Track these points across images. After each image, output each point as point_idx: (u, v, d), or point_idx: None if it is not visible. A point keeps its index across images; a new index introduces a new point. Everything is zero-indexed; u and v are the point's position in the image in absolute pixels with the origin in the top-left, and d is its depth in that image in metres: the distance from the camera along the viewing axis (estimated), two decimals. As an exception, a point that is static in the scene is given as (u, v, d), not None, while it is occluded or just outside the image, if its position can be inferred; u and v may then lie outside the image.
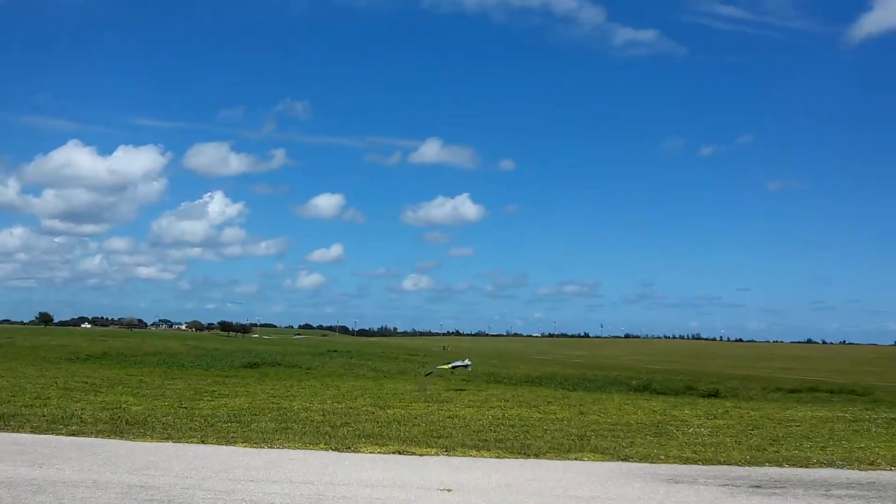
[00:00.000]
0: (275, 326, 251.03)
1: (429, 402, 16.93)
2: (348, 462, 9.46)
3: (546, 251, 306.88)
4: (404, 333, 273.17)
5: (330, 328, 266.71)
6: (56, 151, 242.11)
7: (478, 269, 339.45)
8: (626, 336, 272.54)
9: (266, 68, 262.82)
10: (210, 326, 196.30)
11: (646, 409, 16.81)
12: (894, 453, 10.97)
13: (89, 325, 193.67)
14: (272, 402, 15.67)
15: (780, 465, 10.01)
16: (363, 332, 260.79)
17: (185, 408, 14.30)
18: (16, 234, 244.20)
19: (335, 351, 62.20)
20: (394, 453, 10.17)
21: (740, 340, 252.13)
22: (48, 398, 15.17)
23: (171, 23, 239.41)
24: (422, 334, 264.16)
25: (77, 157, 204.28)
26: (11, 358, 36.26)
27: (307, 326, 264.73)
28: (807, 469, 9.82)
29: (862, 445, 11.68)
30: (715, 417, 15.18)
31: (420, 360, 55.41)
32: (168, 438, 10.86)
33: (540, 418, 14.27)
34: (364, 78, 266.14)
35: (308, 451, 10.15)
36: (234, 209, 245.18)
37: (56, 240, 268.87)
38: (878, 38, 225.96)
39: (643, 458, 10.23)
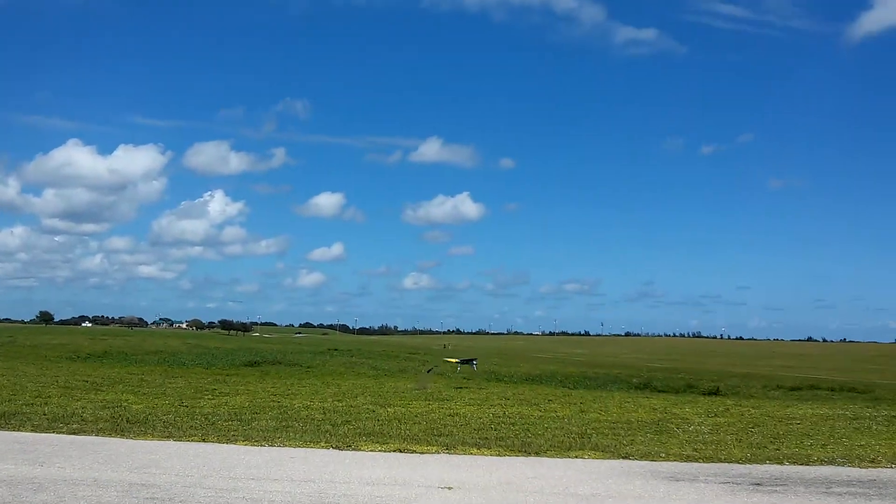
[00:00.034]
0: (275, 325, 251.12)
1: (429, 400, 16.94)
2: (349, 460, 9.46)
3: (546, 249, 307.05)
4: (405, 332, 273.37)
5: (330, 327, 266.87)
6: (56, 150, 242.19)
7: (478, 268, 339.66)
8: (627, 334, 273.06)
9: (266, 67, 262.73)
10: (211, 325, 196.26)
11: (646, 407, 16.80)
12: (895, 451, 10.97)
13: (90, 324, 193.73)
14: (273, 401, 15.68)
15: (781, 463, 10.01)
16: (364, 331, 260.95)
17: (186, 406, 14.30)
18: (16, 234, 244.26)
19: (336, 349, 62.28)
20: (395, 451, 10.18)
21: (741, 338, 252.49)
22: (49, 397, 15.17)
23: (171, 22, 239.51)
24: (422, 333, 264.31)
25: (77, 157, 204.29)
26: (12, 357, 36.30)
27: (308, 325, 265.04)
28: (807, 467, 9.82)
29: (863, 443, 11.68)
30: (715, 415, 15.18)
31: (420, 358, 55.44)
32: (169, 437, 10.87)
33: (541, 416, 14.28)
34: (364, 77, 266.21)
35: (309, 450, 10.16)
36: (234, 208, 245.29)
37: (56, 239, 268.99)
38: (878, 37, 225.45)
39: (644, 456, 10.23)
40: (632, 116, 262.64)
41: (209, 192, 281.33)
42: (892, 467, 9.88)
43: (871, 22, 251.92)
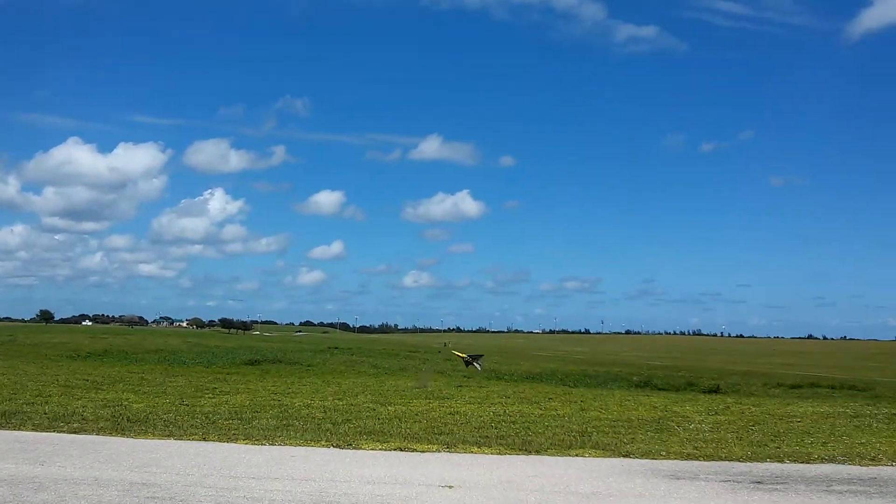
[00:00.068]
0: (276, 323, 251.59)
1: (430, 398, 16.94)
2: (350, 459, 9.46)
3: (547, 247, 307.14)
4: (405, 330, 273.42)
5: (331, 325, 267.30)
6: (56, 149, 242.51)
7: (478, 266, 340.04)
8: (627, 332, 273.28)
9: (266, 65, 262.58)
10: (211, 323, 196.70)
11: (647, 405, 16.80)
12: (895, 449, 10.97)
13: (90, 323, 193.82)
14: (273, 400, 15.68)
15: (782, 461, 10.01)
16: (364, 329, 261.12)
17: (187, 405, 14.30)
18: (16, 232, 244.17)
19: (336, 348, 62.36)
20: (395, 450, 10.18)
21: (741, 336, 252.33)
22: (49, 396, 15.17)
23: (171, 20, 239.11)
24: (422, 331, 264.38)
25: (77, 155, 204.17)
26: (12, 356, 36.32)
27: (308, 323, 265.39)
28: (808, 465, 9.82)
29: (863, 441, 11.68)
30: (716, 413, 15.18)
31: (421, 356, 55.47)
32: (169, 436, 10.87)
33: (541, 415, 14.28)
34: (364, 75, 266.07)
35: (309, 448, 10.16)
36: (234, 206, 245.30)
37: (56, 237, 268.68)
38: (878, 34, 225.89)
39: (644, 455, 10.23)
40: (632, 114, 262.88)
41: (209, 191, 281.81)
42: (892, 465, 9.87)
43: (871, 19, 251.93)
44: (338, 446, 10.35)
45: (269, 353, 45.15)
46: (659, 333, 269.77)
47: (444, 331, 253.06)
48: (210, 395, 16.34)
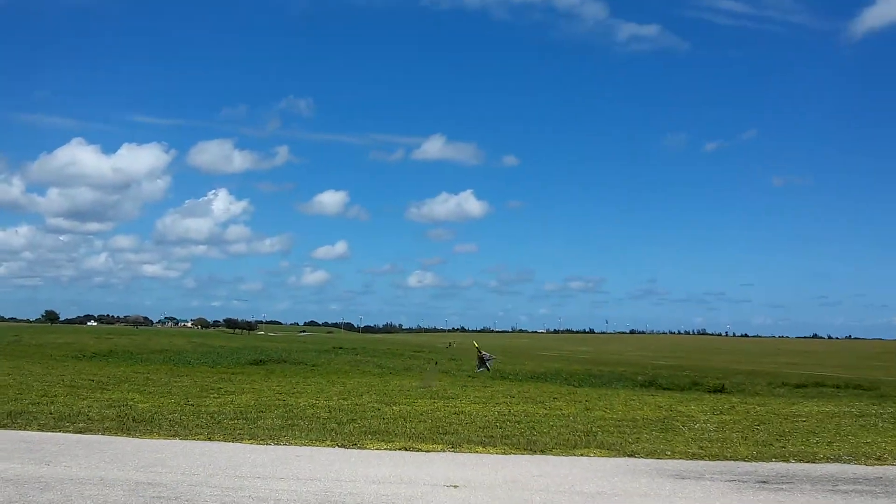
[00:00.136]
0: (280, 323, 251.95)
1: (435, 398, 16.94)
2: (354, 458, 9.47)
3: (550, 247, 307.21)
4: (409, 330, 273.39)
5: (335, 325, 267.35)
6: (60, 150, 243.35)
7: (482, 266, 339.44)
8: (632, 332, 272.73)
9: (269, 65, 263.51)
10: (215, 324, 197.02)
11: (651, 404, 16.79)
12: (901, 448, 10.94)
13: (95, 323, 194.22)
14: (278, 399, 15.70)
15: (787, 461, 9.99)
16: (368, 329, 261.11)
17: (192, 405, 14.32)
18: (21, 233, 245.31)
19: (340, 348, 62.42)
20: (400, 450, 10.18)
21: (746, 336, 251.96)
22: (55, 396, 15.21)
23: (173, 21, 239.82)
24: (427, 331, 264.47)
25: (81, 156, 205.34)
26: (18, 356, 36.42)
27: (312, 323, 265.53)
28: (813, 464, 9.79)
29: (868, 440, 11.65)
30: (721, 413, 15.15)
31: (426, 356, 55.47)
32: (175, 436, 10.88)
33: (546, 414, 14.27)
34: (367, 75, 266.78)
35: (314, 448, 10.17)
36: (238, 206, 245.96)
37: (61, 238, 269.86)
38: (879, 33, 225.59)
39: (649, 454, 10.22)
40: (634, 113, 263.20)
41: (213, 191, 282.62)
42: (898, 465, 9.84)
43: (873, 18, 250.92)
44: (343, 446, 10.35)
45: (273, 353, 45.20)
46: (663, 333, 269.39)
47: (449, 330, 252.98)
48: (215, 395, 16.36)
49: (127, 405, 14.00)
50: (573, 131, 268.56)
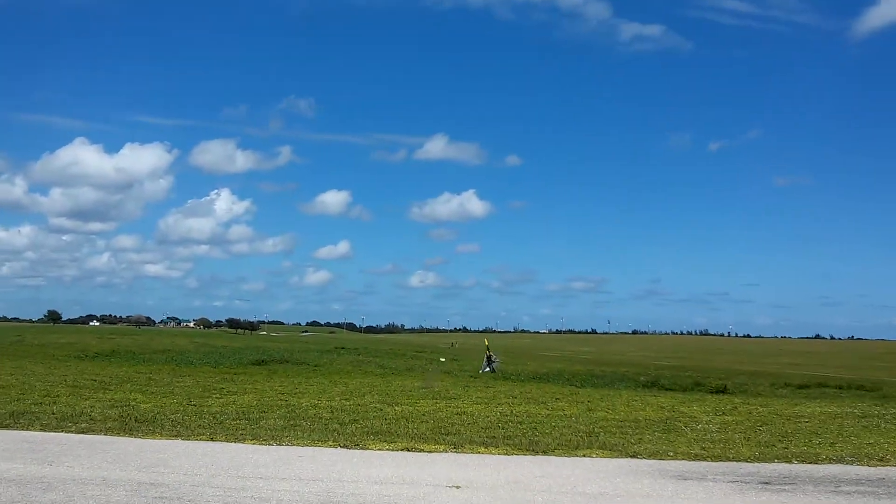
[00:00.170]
0: (282, 324, 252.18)
1: (437, 398, 16.94)
2: (357, 459, 9.47)
3: (553, 247, 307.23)
4: (411, 330, 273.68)
5: (337, 325, 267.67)
6: (63, 150, 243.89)
7: (484, 266, 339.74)
8: (634, 332, 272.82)
9: (271, 65, 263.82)
10: (218, 324, 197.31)
11: (654, 405, 16.77)
12: (904, 449, 10.92)
13: (98, 323, 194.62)
14: (280, 400, 15.70)
15: (789, 462, 9.97)
16: (370, 329, 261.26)
17: (194, 405, 14.33)
18: (24, 233, 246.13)
19: (343, 348, 62.38)
20: (402, 450, 10.17)
21: (748, 336, 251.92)
22: (57, 396, 15.22)
23: (175, 20, 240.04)
24: (429, 331, 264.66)
25: (84, 155, 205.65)
26: (20, 356, 36.45)
27: (314, 323, 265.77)
28: (816, 465, 9.78)
29: (871, 441, 11.64)
30: (723, 414, 15.14)
31: (428, 356, 55.46)
32: (177, 436, 10.89)
33: (548, 415, 14.26)
34: (369, 75, 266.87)
35: (317, 448, 10.17)
36: (240, 206, 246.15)
37: (64, 238, 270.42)
38: (883, 33, 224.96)
39: (652, 455, 10.21)
40: (638, 113, 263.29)
41: (215, 191, 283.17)
42: (901, 466, 9.83)
43: (877, 18, 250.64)
44: (345, 446, 10.36)
45: (276, 354, 45.19)
46: (666, 333, 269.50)
47: (451, 331, 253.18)
48: (217, 396, 16.37)
49: (129, 405, 14.01)
50: (576, 131, 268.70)
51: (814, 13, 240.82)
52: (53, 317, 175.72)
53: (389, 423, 12.37)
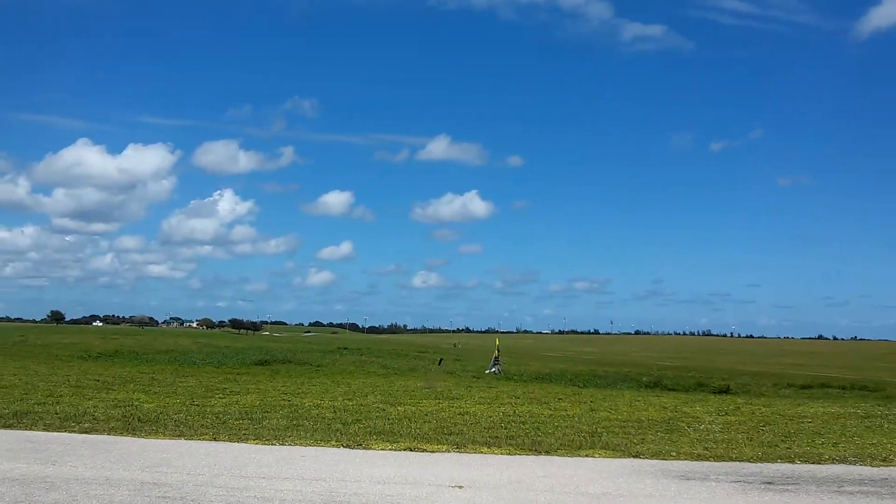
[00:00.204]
0: (285, 324, 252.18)
1: (439, 398, 16.94)
2: (360, 459, 9.48)
3: (555, 248, 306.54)
4: (414, 330, 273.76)
5: (340, 325, 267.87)
6: (66, 150, 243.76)
7: (487, 266, 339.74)
8: (637, 332, 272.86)
9: (273, 66, 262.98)
10: (221, 324, 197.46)
11: (657, 405, 16.76)
12: (907, 449, 10.91)
13: (101, 324, 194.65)
14: (283, 400, 15.71)
15: (792, 462, 9.97)
16: (373, 330, 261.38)
17: (197, 405, 14.35)
18: (27, 233, 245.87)
19: (345, 348, 62.38)
20: (405, 450, 10.18)
21: (751, 336, 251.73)
22: (60, 396, 15.25)
23: (178, 21, 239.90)
24: (431, 331, 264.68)
25: (87, 156, 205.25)
26: (24, 356, 36.52)
27: (317, 324, 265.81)
28: (819, 465, 9.78)
29: (874, 442, 11.62)
30: (726, 414, 15.13)
31: (430, 356, 55.45)
32: (180, 436, 10.91)
33: (551, 415, 14.26)
34: (371, 75, 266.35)
35: (319, 448, 10.18)
36: (243, 207, 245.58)
37: (67, 238, 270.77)
38: (886, 33, 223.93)
39: (654, 455, 10.21)
40: (640, 113, 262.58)
41: (218, 192, 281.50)
42: (904, 466, 9.81)
43: (879, 17, 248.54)
44: (348, 446, 10.37)
45: (278, 354, 45.24)
46: (668, 334, 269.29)
47: (454, 331, 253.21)
48: (220, 396, 16.38)
49: (132, 405, 14.03)
50: (578, 131, 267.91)
51: (815, 13, 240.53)
52: (57, 317, 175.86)
53: (392, 423, 12.38)
